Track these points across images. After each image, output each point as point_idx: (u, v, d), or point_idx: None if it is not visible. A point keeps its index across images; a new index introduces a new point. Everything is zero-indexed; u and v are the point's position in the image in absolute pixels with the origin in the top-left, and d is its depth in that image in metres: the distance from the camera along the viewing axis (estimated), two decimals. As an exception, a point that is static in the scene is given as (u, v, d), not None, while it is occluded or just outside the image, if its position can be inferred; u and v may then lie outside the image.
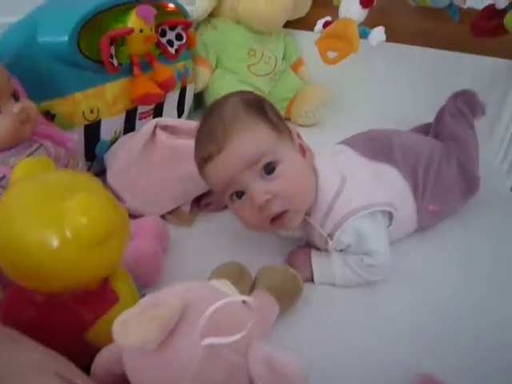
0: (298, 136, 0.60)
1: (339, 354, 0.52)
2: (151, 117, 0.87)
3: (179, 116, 0.99)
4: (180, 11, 0.87)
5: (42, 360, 0.28)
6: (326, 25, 0.78)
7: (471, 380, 0.48)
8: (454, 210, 0.74)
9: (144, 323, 0.24)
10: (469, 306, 0.59)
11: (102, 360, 0.33)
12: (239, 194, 0.55)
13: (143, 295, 0.47)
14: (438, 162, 0.70)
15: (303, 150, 0.59)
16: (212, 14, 1.08)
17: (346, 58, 0.74)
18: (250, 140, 0.53)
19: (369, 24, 0.86)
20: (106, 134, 0.77)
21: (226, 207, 0.75)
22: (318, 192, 0.59)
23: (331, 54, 0.75)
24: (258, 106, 0.57)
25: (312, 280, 0.61)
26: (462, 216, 0.76)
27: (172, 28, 0.86)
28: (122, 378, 0.33)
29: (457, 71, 1.11)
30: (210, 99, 1.08)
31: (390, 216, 0.63)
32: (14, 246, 0.33)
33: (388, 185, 0.64)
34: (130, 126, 0.82)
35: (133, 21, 0.74)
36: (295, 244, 0.66)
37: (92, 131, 0.74)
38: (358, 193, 0.60)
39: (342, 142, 0.74)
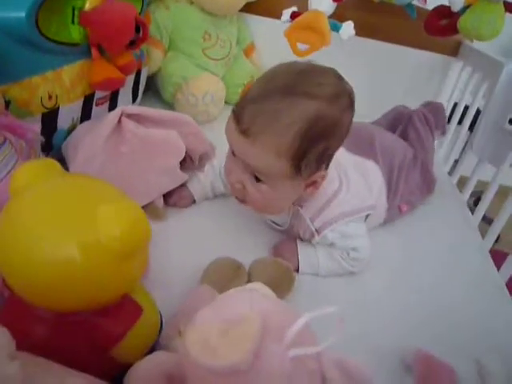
0: (323, 177, 0.55)
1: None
2: (107, 102, 0.81)
3: (134, 100, 0.94)
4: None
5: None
6: (293, 16, 0.78)
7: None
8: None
9: (232, 343, 0.23)
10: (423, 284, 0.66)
11: (140, 378, 0.31)
12: (234, 153, 0.54)
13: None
14: (408, 162, 0.77)
15: (311, 185, 0.56)
16: (164, -8, 1.02)
17: (317, 51, 0.75)
18: (263, 159, 0.50)
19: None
20: (63, 122, 0.70)
21: (194, 202, 0.74)
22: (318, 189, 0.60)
23: (301, 46, 0.75)
24: (313, 139, 0.49)
25: (297, 270, 0.62)
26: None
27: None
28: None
29: (398, 63, 1.18)
30: (161, 82, 1.03)
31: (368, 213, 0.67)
32: (35, 262, 0.30)
33: (371, 184, 0.69)
34: (86, 113, 0.75)
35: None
36: (277, 235, 0.68)
37: (49, 120, 0.67)
38: (352, 196, 0.63)
39: None
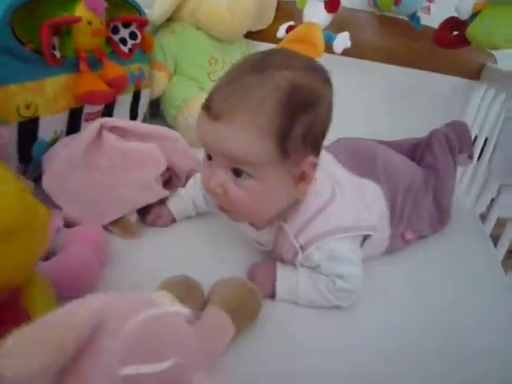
0: (313, 166, 0.49)
1: (302, 382, 0.46)
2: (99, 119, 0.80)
3: (132, 121, 0.92)
4: (135, 8, 0.81)
5: None
6: (289, 29, 0.75)
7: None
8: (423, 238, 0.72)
9: (30, 348, 0.17)
10: (437, 324, 0.56)
11: None
12: (210, 157, 0.49)
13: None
14: (417, 187, 0.68)
15: (302, 179, 0.49)
16: (171, 19, 1.03)
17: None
18: (242, 141, 0.44)
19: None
20: (44, 133, 0.68)
21: (174, 221, 0.68)
22: (305, 200, 0.53)
23: (295, 59, 0.71)
24: (295, 110, 0.44)
25: (273, 296, 0.55)
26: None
27: (126, 25, 0.80)
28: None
29: (417, 88, 1.12)
30: (165, 105, 1.02)
31: (365, 237, 0.59)
32: None
33: (371, 204, 0.61)
34: (73, 128, 0.74)
35: (81, 11, 0.68)
36: (260, 257, 0.61)
37: (28, 129, 0.65)
38: (345, 211, 0.55)
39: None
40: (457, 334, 0.54)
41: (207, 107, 0.45)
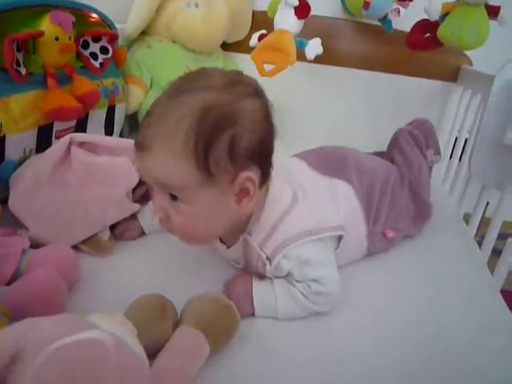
0: (251, 181, 0.46)
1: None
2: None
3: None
4: (105, 22, 0.80)
5: None
6: (261, 38, 0.74)
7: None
8: (407, 236, 0.70)
9: None
10: (422, 332, 0.54)
11: None
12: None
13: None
14: (392, 185, 0.68)
15: (243, 196, 0.47)
16: (146, 33, 1.02)
17: (283, 70, 0.70)
18: (163, 169, 0.44)
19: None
20: (12, 152, 0.66)
21: (143, 233, 0.67)
22: (265, 208, 0.52)
23: (268, 67, 0.70)
24: (210, 130, 0.43)
25: (252, 313, 0.52)
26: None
27: (96, 40, 0.79)
28: None
29: (395, 93, 1.12)
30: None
31: (339, 237, 0.57)
32: None
33: (341, 203, 0.59)
34: (44, 145, 0.71)
35: (47, 27, 0.66)
36: (234, 270, 0.58)
37: (-7, 149, 0.63)
38: (308, 215, 0.53)
39: (294, 155, 0.68)
40: (446, 346, 0.52)
41: (136, 138, 0.47)
